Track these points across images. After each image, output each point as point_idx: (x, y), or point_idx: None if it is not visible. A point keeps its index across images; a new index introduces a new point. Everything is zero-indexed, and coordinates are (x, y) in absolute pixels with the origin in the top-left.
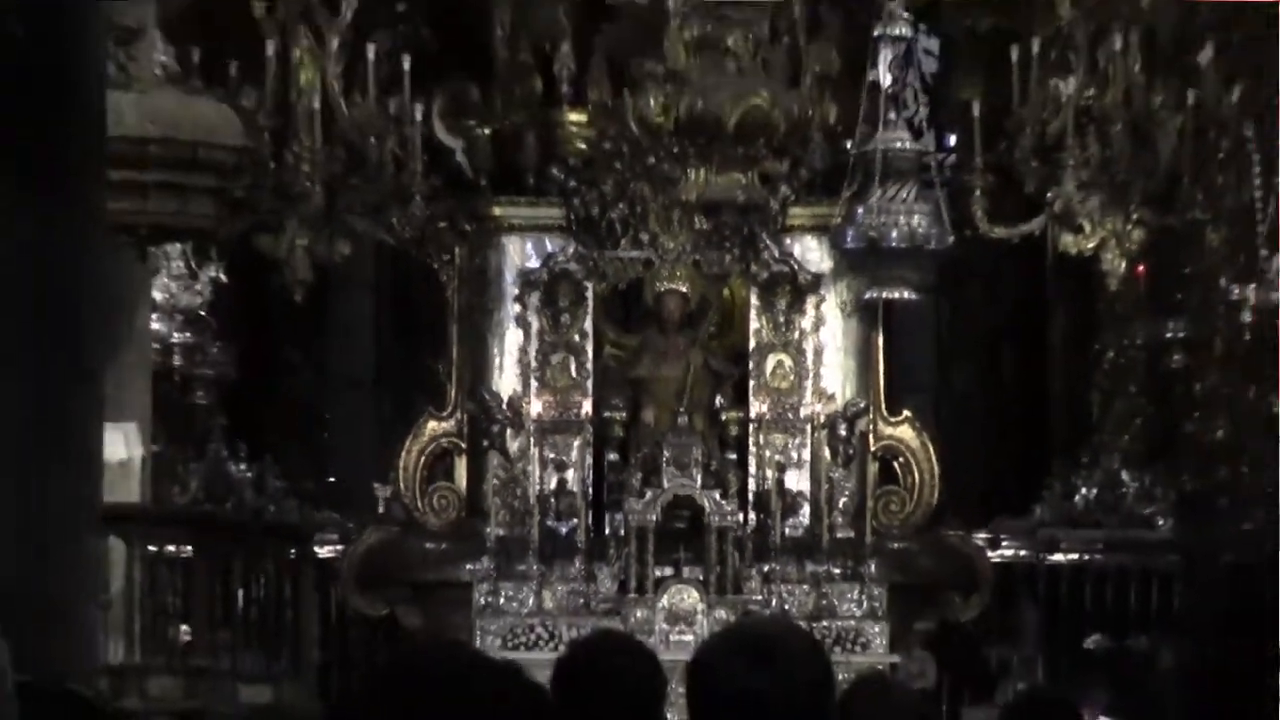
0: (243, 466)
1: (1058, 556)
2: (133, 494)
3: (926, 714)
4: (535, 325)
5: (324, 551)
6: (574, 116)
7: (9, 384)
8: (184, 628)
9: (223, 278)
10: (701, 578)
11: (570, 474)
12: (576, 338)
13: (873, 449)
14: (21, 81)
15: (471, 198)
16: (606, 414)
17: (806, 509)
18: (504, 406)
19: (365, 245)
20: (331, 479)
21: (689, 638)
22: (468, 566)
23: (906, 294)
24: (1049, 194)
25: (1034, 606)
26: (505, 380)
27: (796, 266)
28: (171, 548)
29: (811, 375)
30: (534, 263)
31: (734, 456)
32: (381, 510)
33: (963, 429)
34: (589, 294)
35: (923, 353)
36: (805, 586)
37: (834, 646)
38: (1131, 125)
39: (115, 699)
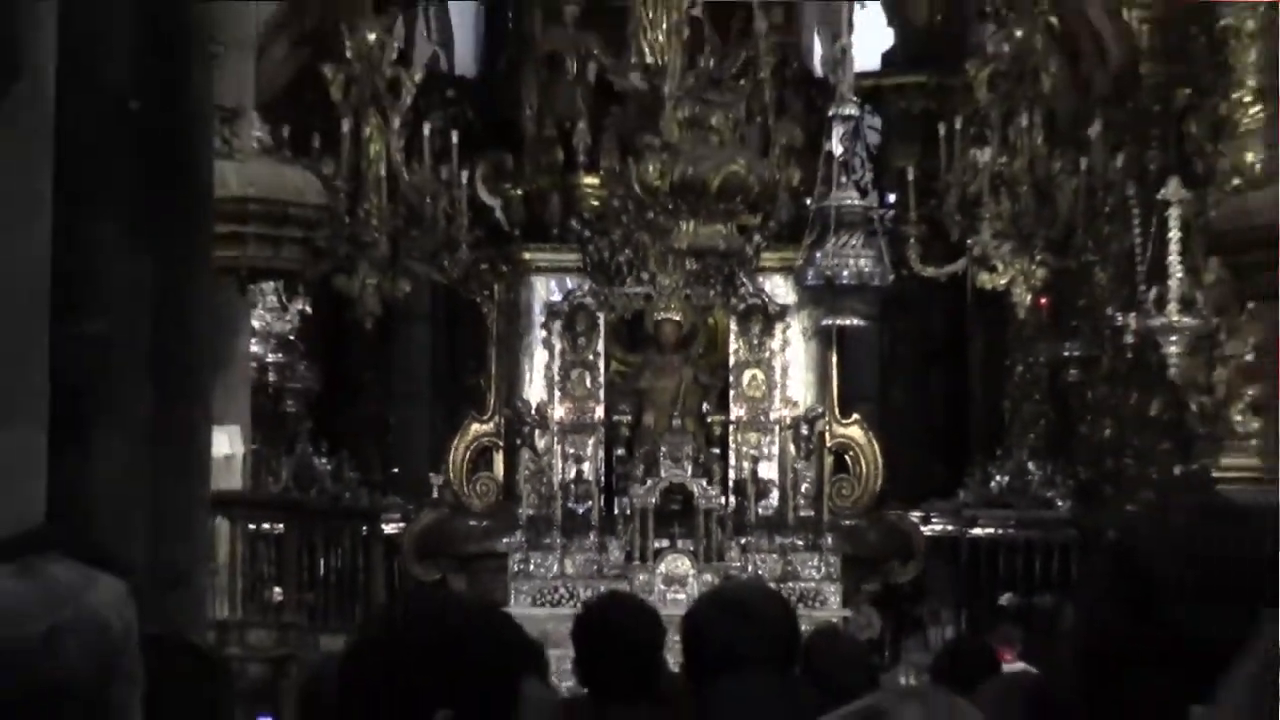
0: (324, 461)
1: (977, 531)
2: (235, 483)
3: (871, 658)
4: (558, 347)
5: (389, 529)
6: (589, 180)
7: (136, 397)
8: (276, 590)
9: (308, 310)
10: (692, 549)
11: (586, 466)
12: (591, 357)
13: (828, 445)
14: (143, 150)
15: (507, 245)
16: (615, 418)
17: (775, 493)
18: (533, 412)
19: (422, 284)
20: (395, 470)
21: (682, 597)
22: (504, 540)
23: (855, 321)
24: (969, 241)
25: (954, 571)
26: (534, 391)
27: (767, 299)
28: (266, 526)
29: (779, 386)
30: (557, 297)
31: (717, 451)
32: (434, 495)
33: (900, 429)
34: (601, 322)
35: (868, 368)
36: (775, 555)
37: (798, 604)
38: (1035, 186)
39: (221, 648)
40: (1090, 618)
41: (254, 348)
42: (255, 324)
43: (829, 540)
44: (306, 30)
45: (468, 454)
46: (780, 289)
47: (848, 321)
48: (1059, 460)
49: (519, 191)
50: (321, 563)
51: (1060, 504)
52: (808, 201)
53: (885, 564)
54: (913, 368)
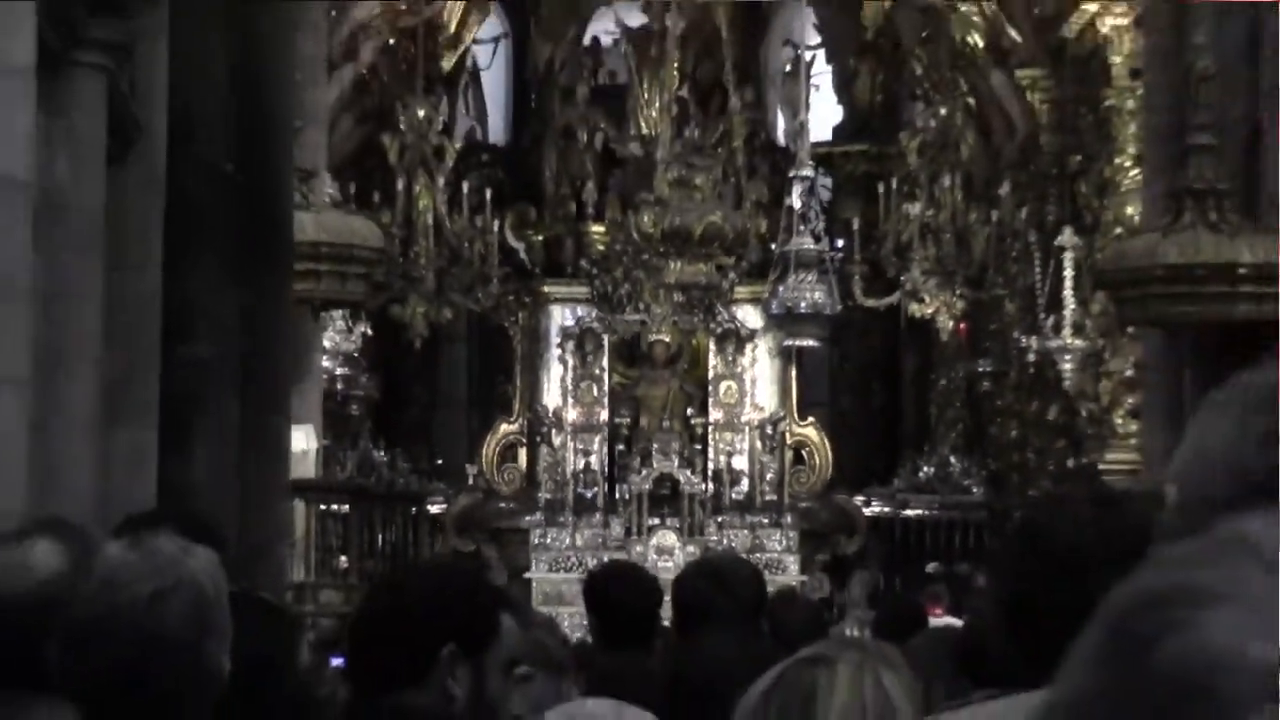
0: (381, 454)
1: (909, 512)
2: (309, 472)
3: (823, 614)
4: (570, 363)
5: (433, 509)
6: (596, 228)
7: (229, 404)
8: (342, 558)
9: (368, 332)
10: (678, 526)
11: (593, 458)
12: (597, 371)
13: (788, 442)
14: (237, 204)
15: (529, 281)
16: (616, 420)
17: (746, 481)
18: (550, 415)
19: (461, 312)
20: (438, 462)
21: (670, 565)
22: (526, 518)
23: (811, 342)
24: (902, 278)
25: (890, 544)
26: (550, 398)
27: (739, 325)
28: (334, 507)
29: (749, 395)
30: (569, 322)
31: (699, 447)
32: (470, 482)
33: (847, 430)
34: (605, 342)
35: (821, 381)
36: (745, 531)
37: (764, 570)
38: (955, 234)
39: (297, 605)
40: (1008, 579)
41: (325, 363)
42: (326, 343)
43: (789, 519)
44: (368, 108)
45: (497, 449)
46: (750, 316)
47: (804, 343)
48: (974, 455)
49: (539, 237)
50: (379, 536)
51: (975, 490)
52: (772, 246)
53: (834, 538)
54: (857, 380)
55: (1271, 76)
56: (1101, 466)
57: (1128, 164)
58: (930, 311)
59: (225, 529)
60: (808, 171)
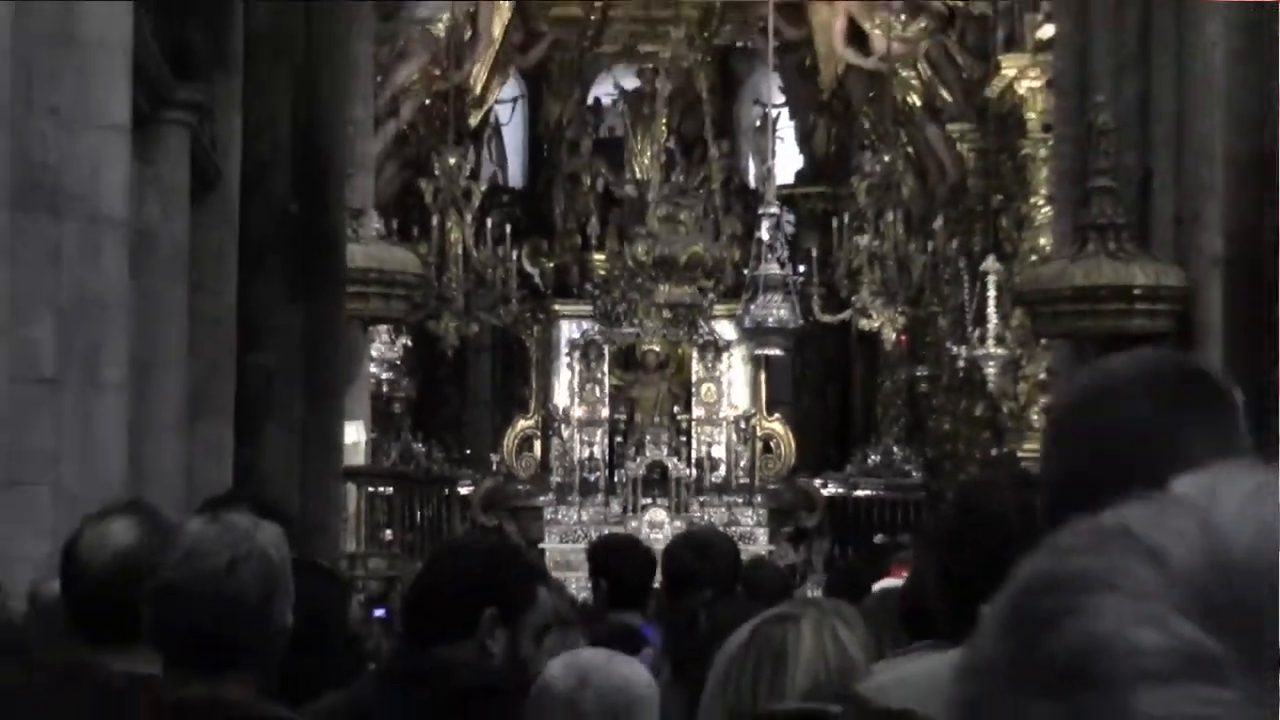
0: (419, 445)
1: (859, 492)
2: (359, 460)
3: (788, 579)
4: (577, 369)
5: (463, 491)
6: (598, 256)
7: (292, 403)
8: (387, 532)
9: (408, 343)
10: (666, 505)
11: (596, 449)
12: (599, 375)
13: (759, 435)
14: (298, 237)
15: (542, 300)
16: (615, 416)
17: (723, 467)
18: (560, 413)
19: (485, 326)
20: (467, 451)
21: (660, 538)
22: (540, 498)
23: (777, 352)
24: (853, 298)
25: (844, 518)
26: (560, 398)
27: (717, 337)
28: (381, 489)
29: (726, 395)
30: (576, 335)
31: (684, 439)
32: (493, 468)
33: (807, 424)
34: (606, 352)
35: (785, 383)
36: (723, 509)
37: (739, 542)
38: (898, 261)
39: (349, 571)
40: (944, 549)
41: (372, 369)
42: (373, 353)
43: (759, 499)
44: (408, 157)
45: (516, 440)
46: (726, 330)
47: (772, 352)
48: (913, 445)
49: (550, 264)
50: (417, 514)
51: (914, 475)
52: (745, 271)
53: (797, 514)
54: (815, 383)
55: (1159, 131)
56: (1020, 454)
57: (1040, 202)
58: (876, 325)
59: (289, 508)
60: (774, 209)
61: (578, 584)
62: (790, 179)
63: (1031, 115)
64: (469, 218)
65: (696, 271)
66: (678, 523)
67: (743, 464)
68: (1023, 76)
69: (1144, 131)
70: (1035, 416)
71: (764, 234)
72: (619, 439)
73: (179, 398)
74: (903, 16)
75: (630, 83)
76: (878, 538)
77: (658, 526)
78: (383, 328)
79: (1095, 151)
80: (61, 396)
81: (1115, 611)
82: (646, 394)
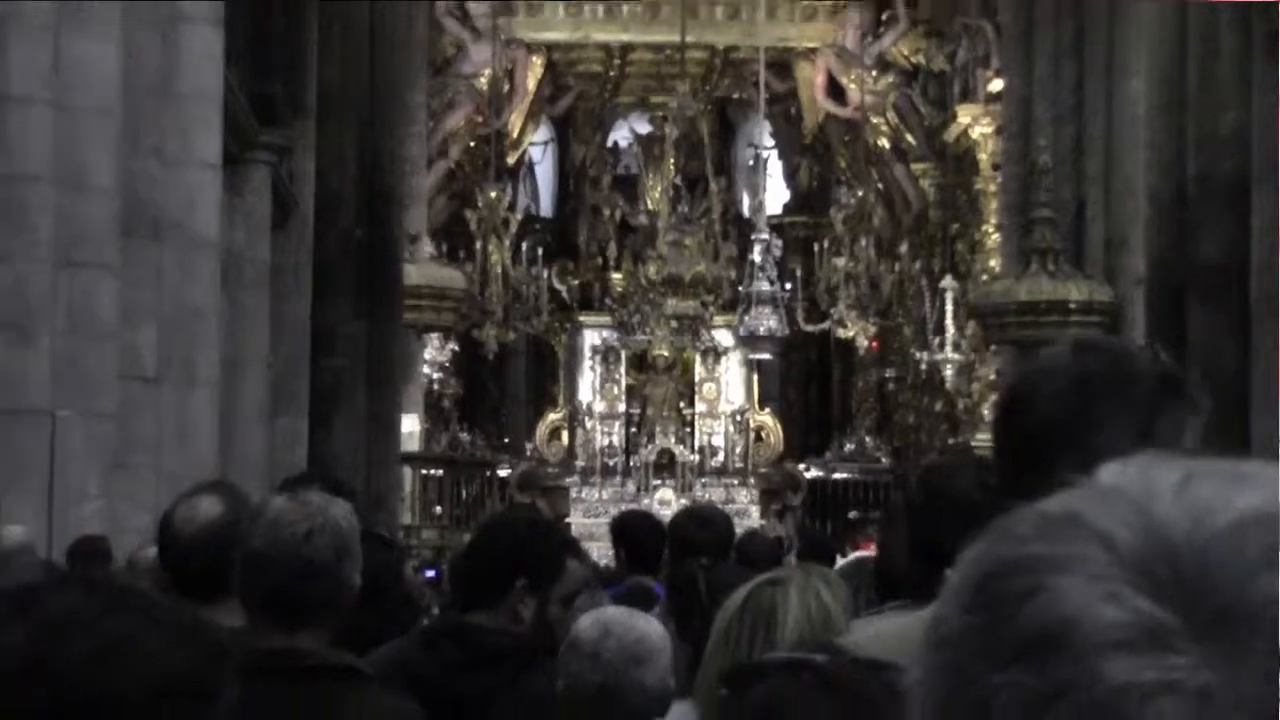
0: (464, 434)
1: (836, 475)
2: (415, 446)
3: (777, 548)
4: (598, 370)
5: (501, 473)
6: (616, 276)
7: (357, 399)
8: (437, 508)
9: (456, 348)
10: (674, 485)
11: (614, 438)
12: (617, 376)
13: (751, 426)
14: (363, 258)
15: (569, 312)
16: (630, 411)
17: (722, 454)
18: (584, 407)
19: (521, 334)
20: (506, 440)
21: (668, 513)
22: (567, 479)
23: (767, 356)
24: (832, 311)
25: (823, 497)
26: (584, 395)
27: (717, 344)
28: (432, 471)
29: (724, 393)
30: (598, 342)
31: (689, 430)
32: (527, 454)
33: (793, 418)
34: (623, 356)
35: (774, 383)
36: (721, 489)
37: (734, 517)
38: (869, 280)
39: (405, 540)
40: (912, 522)
41: (425, 370)
42: (426, 356)
43: (751, 480)
44: (455, 191)
45: (547, 431)
46: (725, 337)
47: (762, 356)
48: (883, 435)
49: (576, 282)
50: (463, 492)
51: (883, 460)
52: (740, 288)
53: (783, 493)
54: (800, 383)
55: (1091, 170)
56: (973, 443)
57: (990, 230)
58: (851, 334)
59: (354, 486)
60: (764, 236)
61: (599, 551)
62: (778, 210)
63: (983, 156)
64: (507, 242)
65: (699, 288)
66: (683, 500)
67: (738, 451)
68: (975, 123)
69: (1078, 170)
70: (986, 411)
71: (756, 256)
72: (633, 430)
73: (261, 394)
74: (874, 73)
75: (643, 128)
76: (852, 513)
77: (666, 504)
78: (434, 335)
79: (1037, 187)
80: (162, 392)
81: (1077, 590)
82: (657, 392)
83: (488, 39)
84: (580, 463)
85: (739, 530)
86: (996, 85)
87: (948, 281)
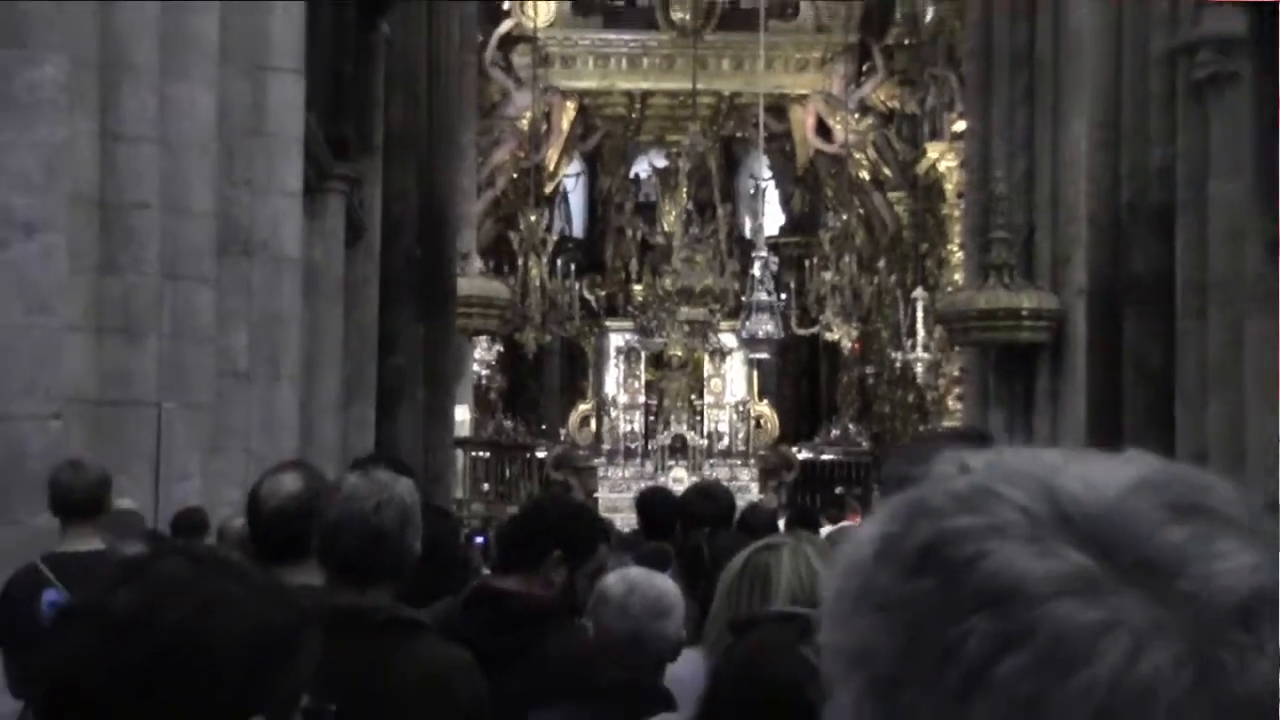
0: (508, 422)
1: (824, 456)
2: (466, 432)
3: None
4: (621, 368)
5: (540, 454)
6: (638, 287)
7: (418, 391)
8: (485, 485)
9: (501, 349)
10: (686, 465)
11: (635, 425)
12: (638, 372)
13: (752, 415)
14: (421, 273)
15: (597, 319)
16: (649, 402)
17: (726, 439)
18: (610, 399)
19: (555, 337)
20: (543, 426)
21: (680, 489)
22: (595, 460)
23: (766, 356)
24: (820, 317)
25: (813, 475)
26: (610, 389)
27: (723, 345)
28: (480, 453)
29: (728, 387)
30: (621, 344)
31: (699, 418)
32: (561, 439)
33: (787, 408)
34: (642, 356)
35: (771, 378)
36: (726, 469)
37: (736, 492)
38: (853, 291)
39: (458, 512)
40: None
41: (474, 367)
42: (475, 355)
43: (752, 461)
44: (501, 215)
45: (578, 419)
46: (729, 340)
47: (761, 356)
48: (863, 422)
49: (603, 293)
50: (506, 471)
51: (864, 444)
52: (742, 298)
53: (779, 472)
54: (793, 378)
55: (1040, 198)
56: (940, 428)
57: (955, 249)
58: (837, 337)
59: (415, 466)
60: (763, 254)
61: (621, 520)
62: (775, 231)
63: (948, 186)
64: (544, 259)
65: (707, 298)
66: (693, 478)
67: (740, 436)
68: (942, 158)
69: (1029, 198)
70: (951, 402)
71: (756, 271)
72: (651, 418)
73: (336, 387)
74: (856, 115)
75: (660, 162)
76: (837, 489)
77: (679, 481)
78: (482, 338)
79: (994, 212)
80: (252, 387)
81: (1017, 550)
82: (671, 386)
83: (528, 87)
84: (606, 446)
85: (742, 503)
86: (960, 126)
87: (919, 292)
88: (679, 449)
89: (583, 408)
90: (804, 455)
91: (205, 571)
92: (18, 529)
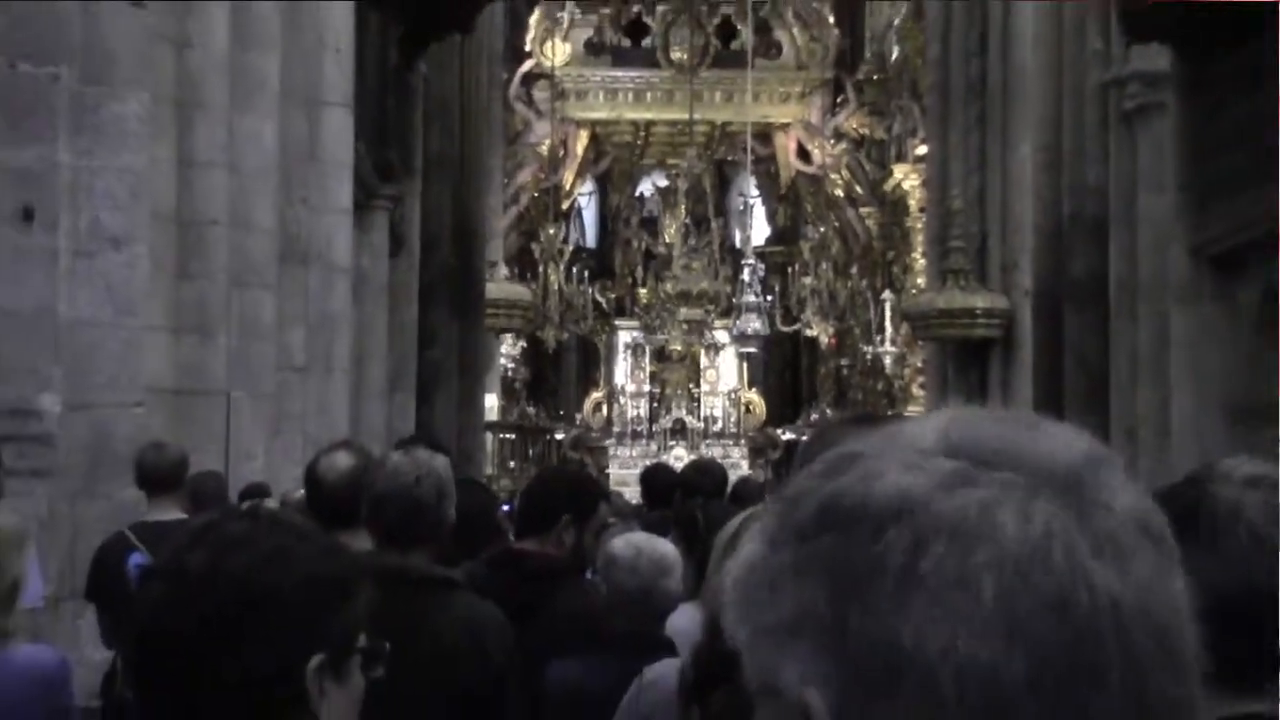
0: (531, 408)
1: (805, 437)
2: (494, 417)
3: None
4: (629, 362)
5: (558, 437)
6: (643, 291)
7: (453, 381)
8: (511, 463)
9: (524, 344)
10: (685, 445)
11: (641, 410)
12: (643, 365)
13: (742, 402)
14: (455, 279)
15: (608, 319)
16: (653, 390)
17: (720, 422)
18: (619, 388)
19: (571, 334)
20: (561, 412)
21: (680, 466)
22: (607, 441)
23: (754, 350)
24: (802, 316)
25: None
26: (619, 379)
27: (717, 341)
28: (507, 435)
29: (722, 377)
30: (629, 340)
31: (696, 404)
32: (577, 423)
33: (772, 394)
34: (647, 350)
35: (760, 369)
36: (720, 448)
37: (730, 469)
38: (829, 294)
39: (488, 485)
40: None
41: (501, 361)
42: (502, 350)
43: (743, 441)
44: (524, 229)
45: (592, 405)
46: (722, 336)
47: (751, 350)
48: (839, 408)
49: (613, 295)
50: (529, 450)
51: None
52: (734, 299)
53: (766, 451)
54: (779, 370)
55: (991, 211)
56: (904, 413)
57: (918, 256)
58: (816, 334)
59: (450, 446)
60: (751, 261)
61: (629, 493)
62: (761, 242)
63: (912, 202)
64: (561, 267)
65: (703, 300)
66: (692, 456)
67: (732, 420)
68: (906, 178)
69: (982, 212)
70: (915, 390)
71: (745, 276)
72: (655, 404)
73: (382, 378)
74: (832, 141)
75: (662, 182)
76: None
77: (679, 458)
78: (508, 335)
79: (951, 224)
80: (309, 378)
81: (897, 477)
82: (672, 376)
83: (547, 118)
84: (616, 429)
85: (734, 478)
86: (922, 150)
87: (886, 294)
88: (679, 431)
89: (596, 395)
90: (787, 436)
91: (265, 530)
92: (109, 502)
